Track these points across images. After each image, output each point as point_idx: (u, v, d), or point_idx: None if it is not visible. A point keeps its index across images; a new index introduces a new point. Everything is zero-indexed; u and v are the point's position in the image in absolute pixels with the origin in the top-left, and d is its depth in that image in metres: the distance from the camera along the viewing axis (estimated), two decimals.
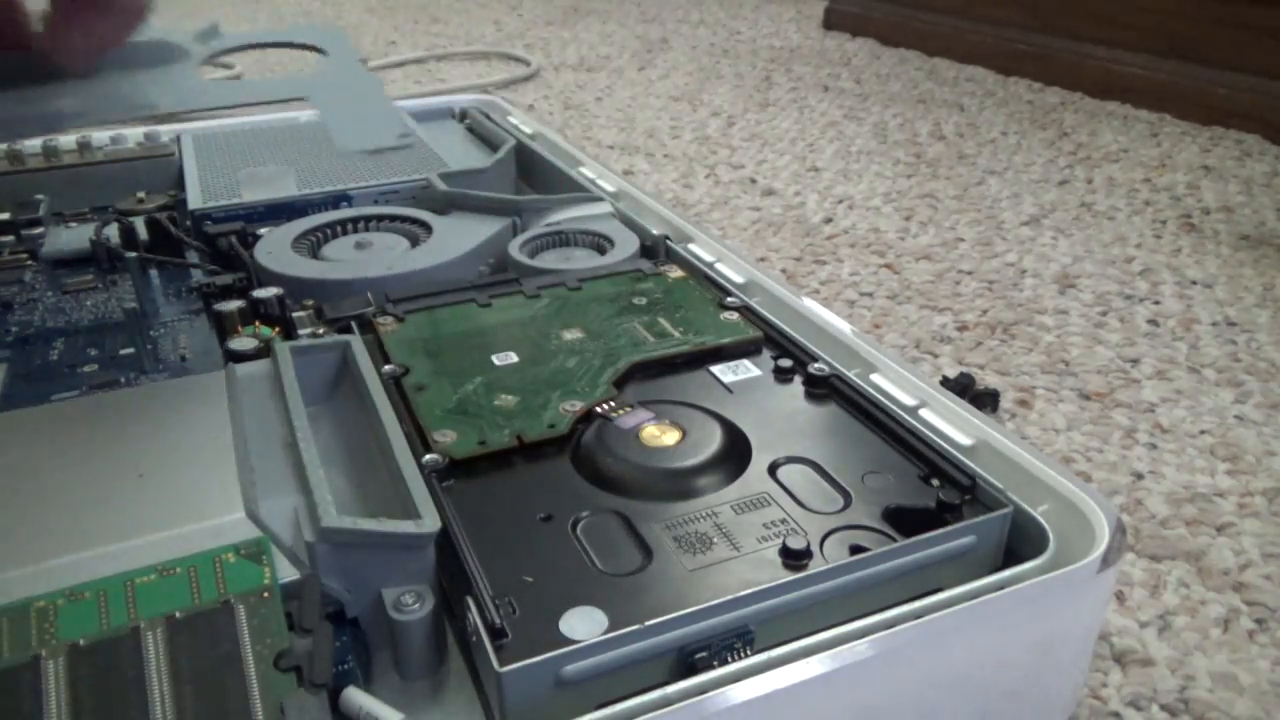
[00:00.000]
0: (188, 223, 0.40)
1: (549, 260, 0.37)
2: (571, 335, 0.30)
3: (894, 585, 0.21)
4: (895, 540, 0.21)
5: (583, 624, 0.19)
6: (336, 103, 0.28)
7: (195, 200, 0.40)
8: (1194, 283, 0.48)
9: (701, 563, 0.21)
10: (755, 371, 0.28)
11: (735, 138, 0.71)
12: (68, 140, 0.47)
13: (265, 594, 0.20)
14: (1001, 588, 0.20)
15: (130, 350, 0.32)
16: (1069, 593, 0.20)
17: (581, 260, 0.36)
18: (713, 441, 0.25)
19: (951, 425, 0.25)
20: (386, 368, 0.28)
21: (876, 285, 0.48)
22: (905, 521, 0.22)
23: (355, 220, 0.39)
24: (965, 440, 0.24)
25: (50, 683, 0.18)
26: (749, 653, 0.19)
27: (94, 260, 0.38)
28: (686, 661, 0.19)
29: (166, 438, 0.25)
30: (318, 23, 1.13)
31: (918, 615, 0.19)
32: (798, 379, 0.28)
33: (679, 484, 0.23)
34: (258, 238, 0.37)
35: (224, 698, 0.17)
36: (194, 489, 0.22)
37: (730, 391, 0.27)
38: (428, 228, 0.39)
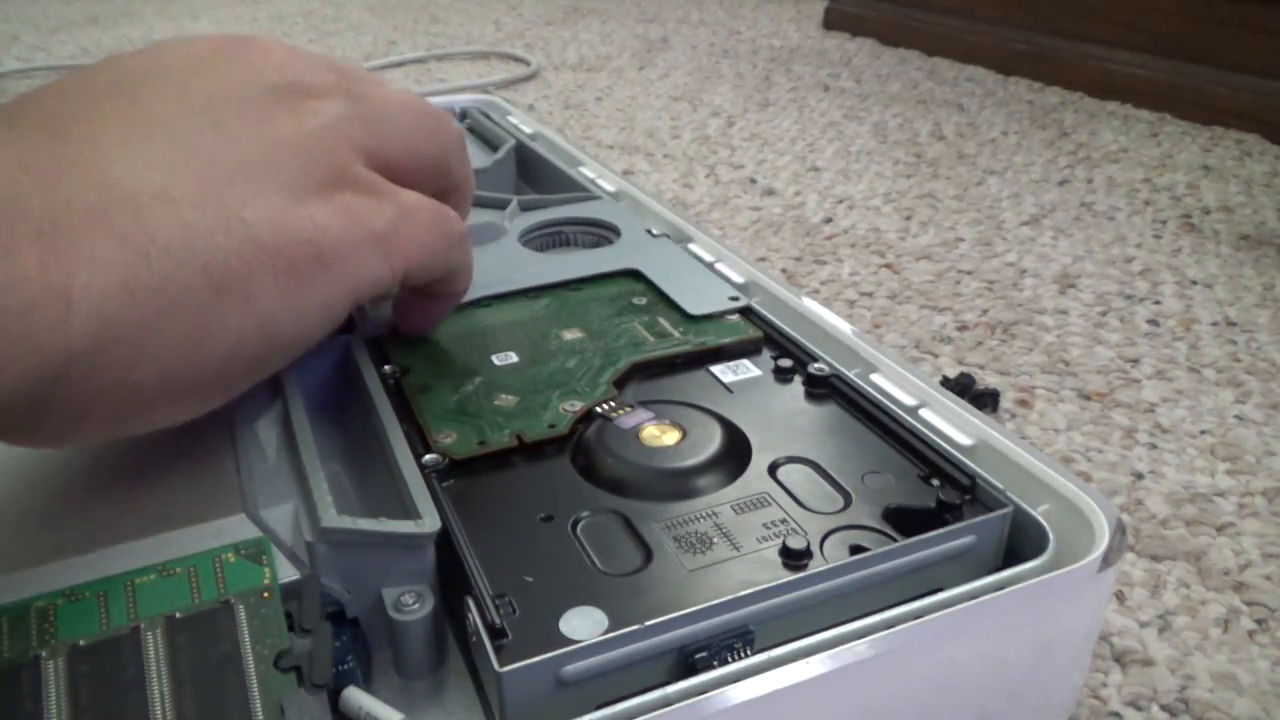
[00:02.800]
0: None
1: (549, 258, 0.37)
2: (571, 335, 0.30)
3: (894, 585, 0.21)
4: (895, 540, 0.21)
5: (583, 624, 0.19)
6: (670, 275, 0.33)
7: None
8: (1194, 283, 0.48)
9: (701, 563, 0.21)
10: (755, 371, 0.28)
11: (735, 138, 0.71)
12: None
13: (265, 594, 0.20)
14: (1001, 588, 0.20)
15: None
16: (1069, 593, 0.20)
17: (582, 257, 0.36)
18: (713, 441, 0.25)
19: (951, 425, 0.25)
20: (386, 368, 0.28)
21: (876, 285, 0.48)
22: (905, 521, 0.22)
23: None
24: (965, 440, 0.24)
25: (50, 683, 0.18)
26: (749, 653, 0.19)
27: None
28: (686, 661, 0.19)
29: (166, 438, 0.25)
30: (318, 23, 1.13)
31: (918, 615, 0.19)
32: (798, 379, 0.28)
33: (679, 484, 0.23)
34: None
35: (224, 698, 0.17)
36: (194, 489, 0.22)
37: (730, 391, 0.27)
38: None
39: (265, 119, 0.21)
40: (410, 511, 0.21)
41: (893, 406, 0.26)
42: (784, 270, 0.50)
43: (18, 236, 0.16)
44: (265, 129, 0.21)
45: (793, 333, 0.30)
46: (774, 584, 0.19)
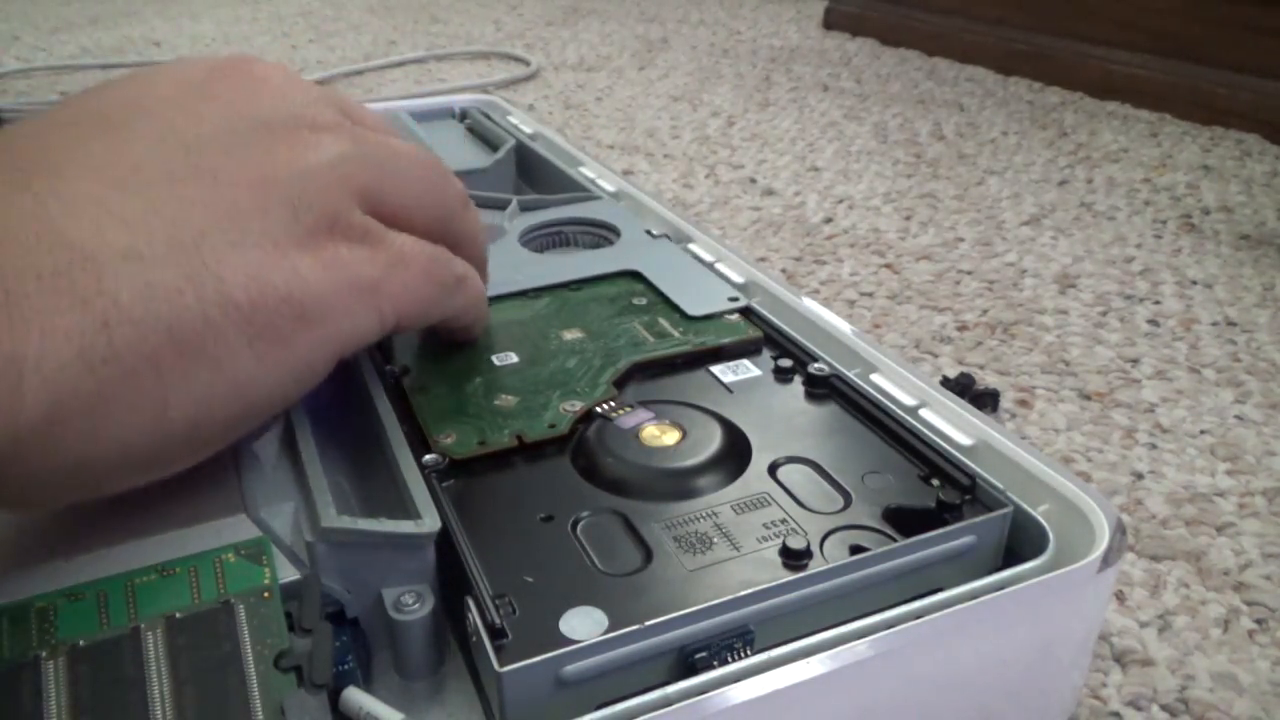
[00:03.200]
0: None
1: (549, 258, 0.37)
2: (571, 335, 0.30)
3: (894, 585, 0.21)
4: (895, 540, 0.21)
5: (583, 624, 0.19)
6: (669, 276, 0.33)
7: None
8: (1194, 283, 0.48)
9: (701, 563, 0.21)
10: (755, 371, 0.28)
11: (735, 138, 0.71)
12: None
13: (265, 594, 0.20)
14: (1001, 588, 0.20)
15: None
16: (1069, 593, 0.20)
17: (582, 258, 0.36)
18: (713, 441, 0.25)
19: (951, 425, 0.25)
20: (386, 367, 0.28)
21: (876, 285, 0.48)
22: (905, 521, 0.22)
23: None
24: (965, 440, 0.24)
25: (50, 683, 0.18)
26: (749, 653, 0.19)
27: None
28: (686, 661, 0.19)
29: None
30: (318, 23, 1.13)
31: (918, 615, 0.19)
32: (798, 379, 0.28)
33: (679, 484, 0.23)
34: None
35: (224, 698, 0.17)
36: (194, 489, 0.22)
37: (730, 391, 0.27)
38: None
39: (258, 153, 0.20)
40: (410, 511, 0.21)
41: (893, 406, 0.26)
42: (784, 270, 0.50)
43: None
44: (255, 166, 0.20)
45: (793, 333, 0.30)
46: (774, 584, 0.19)
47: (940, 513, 0.22)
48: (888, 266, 0.51)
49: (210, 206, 0.19)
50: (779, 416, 0.26)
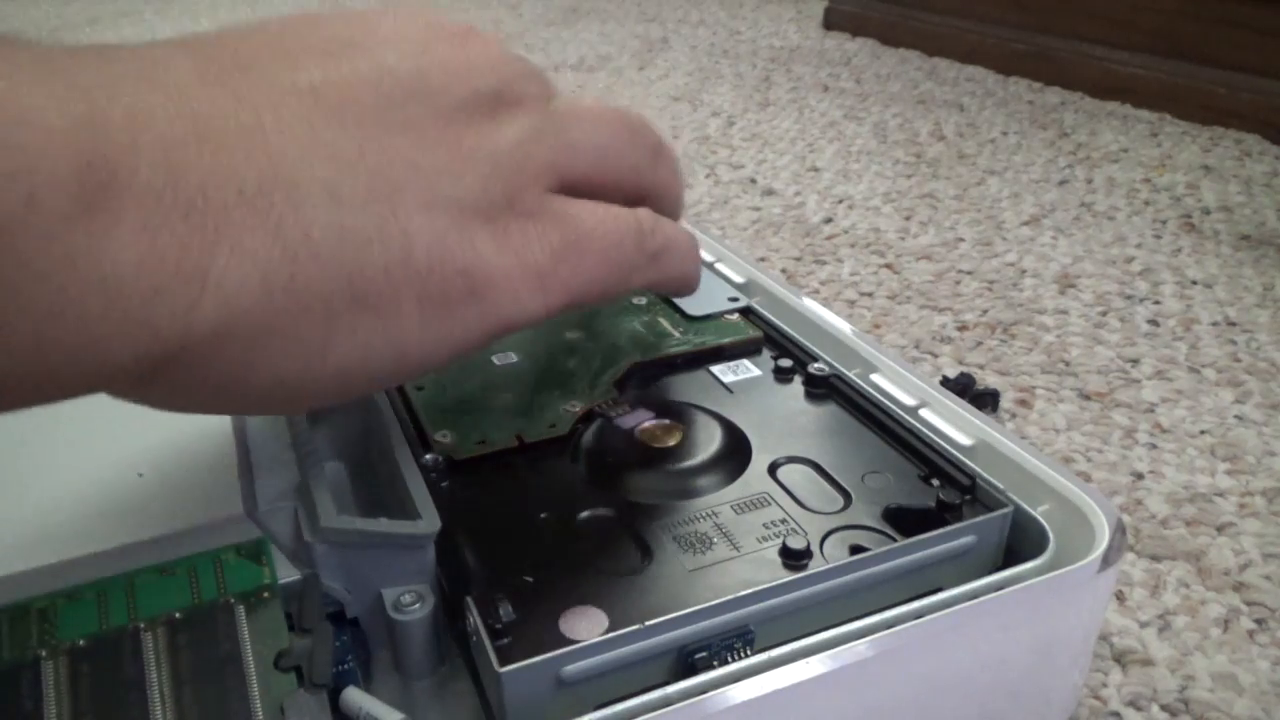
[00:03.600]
0: None
1: None
2: (571, 335, 0.30)
3: (894, 585, 0.21)
4: (895, 540, 0.21)
5: (583, 624, 0.19)
6: None
7: None
8: (1194, 283, 0.48)
9: (701, 563, 0.21)
10: (755, 371, 0.28)
11: (735, 138, 0.71)
12: None
13: (265, 594, 0.20)
14: (1001, 588, 0.20)
15: None
16: (1069, 593, 0.20)
17: None
18: (713, 441, 0.25)
19: (951, 425, 0.25)
20: None
21: (876, 285, 0.48)
22: (905, 521, 0.22)
23: None
24: (965, 440, 0.24)
25: (50, 683, 0.18)
26: (749, 653, 0.19)
27: None
28: (686, 661, 0.19)
29: (166, 438, 0.25)
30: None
31: (918, 615, 0.19)
32: (798, 379, 0.28)
33: (679, 484, 0.23)
34: None
35: (224, 698, 0.17)
36: (194, 489, 0.22)
37: (730, 391, 0.27)
38: None
39: (462, 126, 0.20)
40: (410, 511, 0.21)
41: (893, 406, 0.26)
42: (784, 270, 0.50)
43: (167, 212, 0.15)
44: (456, 134, 0.20)
45: (793, 333, 0.30)
46: (774, 584, 0.19)
47: (940, 513, 0.22)
48: (888, 266, 0.51)
49: (412, 164, 0.19)
50: (779, 416, 0.26)
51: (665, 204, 0.25)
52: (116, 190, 0.15)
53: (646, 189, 0.24)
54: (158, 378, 0.17)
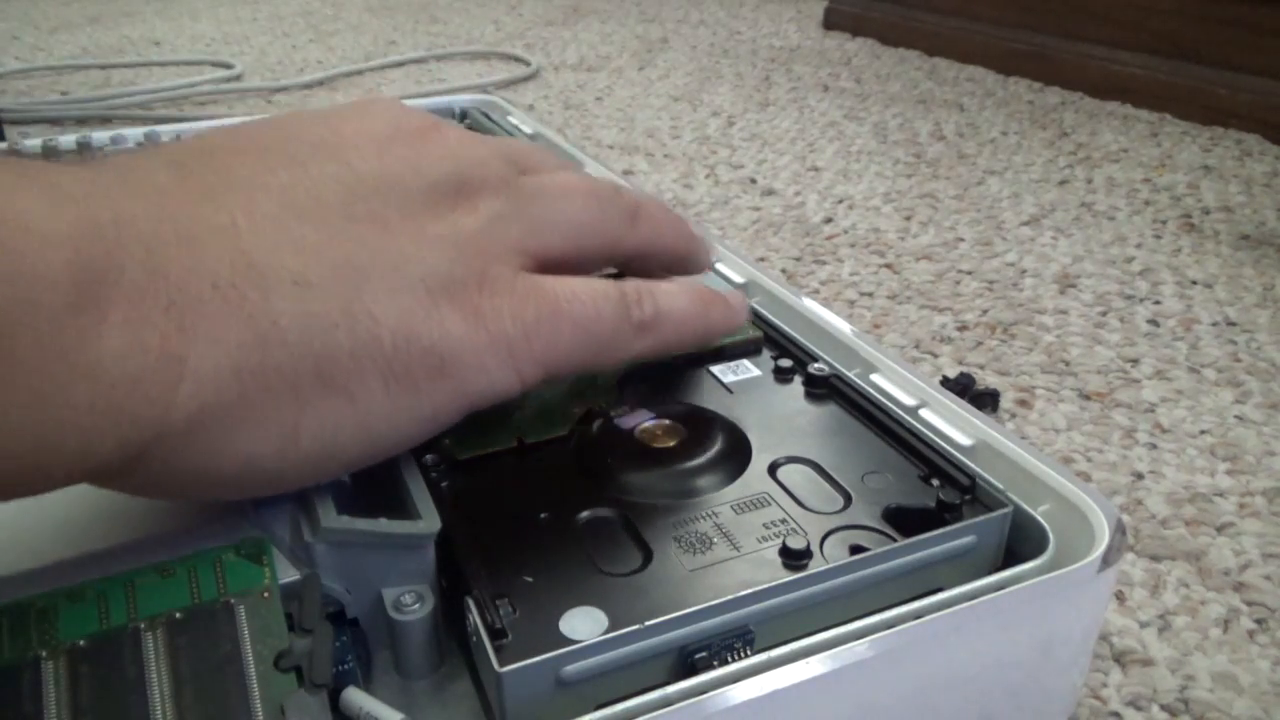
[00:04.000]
0: None
1: None
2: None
3: (894, 585, 0.21)
4: (895, 540, 0.21)
5: (583, 624, 0.19)
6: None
7: None
8: (1194, 283, 0.48)
9: (701, 563, 0.21)
10: (755, 371, 0.28)
11: (735, 138, 0.71)
12: (68, 140, 0.47)
13: (265, 594, 0.20)
14: (1001, 588, 0.20)
15: None
16: (1069, 593, 0.20)
17: None
18: (713, 441, 0.25)
19: (951, 425, 0.25)
20: None
21: (876, 285, 0.48)
22: (905, 521, 0.22)
23: None
24: (965, 440, 0.24)
25: (50, 683, 0.18)
26: (749, 653, 0.19)
27: None
28: (686, 661, 0.19)
29: None
30: (318, 23, 1.13)
31: (918, 615, 0.19)
32: (798, 379, 0.28)
33: (679, 484, 0.23)
34: None
35: (224, 698, 0.17)
36: None
37: (730, 391, 0.27)
38: None
39: (426, 215, 0.21)
40: (410, 511, 0.21)
41: (893, 406, 0.26)
42: (784, 270, 0.50)
43: (148, 306, 0.16)
44: (420, 226, 0.20)
45: (793, 333, 0.30)
46: (774, 584, 0.19)
47: (940, 513, 0.22)
48: (888, 266, 0.51)
49: (377, 251, 0.20)
50: (779, 416, 0.26)
51: (658, 263, 0.26)
52: (106, 289, 0.16)
53: (630, 254, 0.25)
54: (138, 466, 0.17)
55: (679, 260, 0.27)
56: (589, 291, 0.22)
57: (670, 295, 0.24)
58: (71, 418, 0.16)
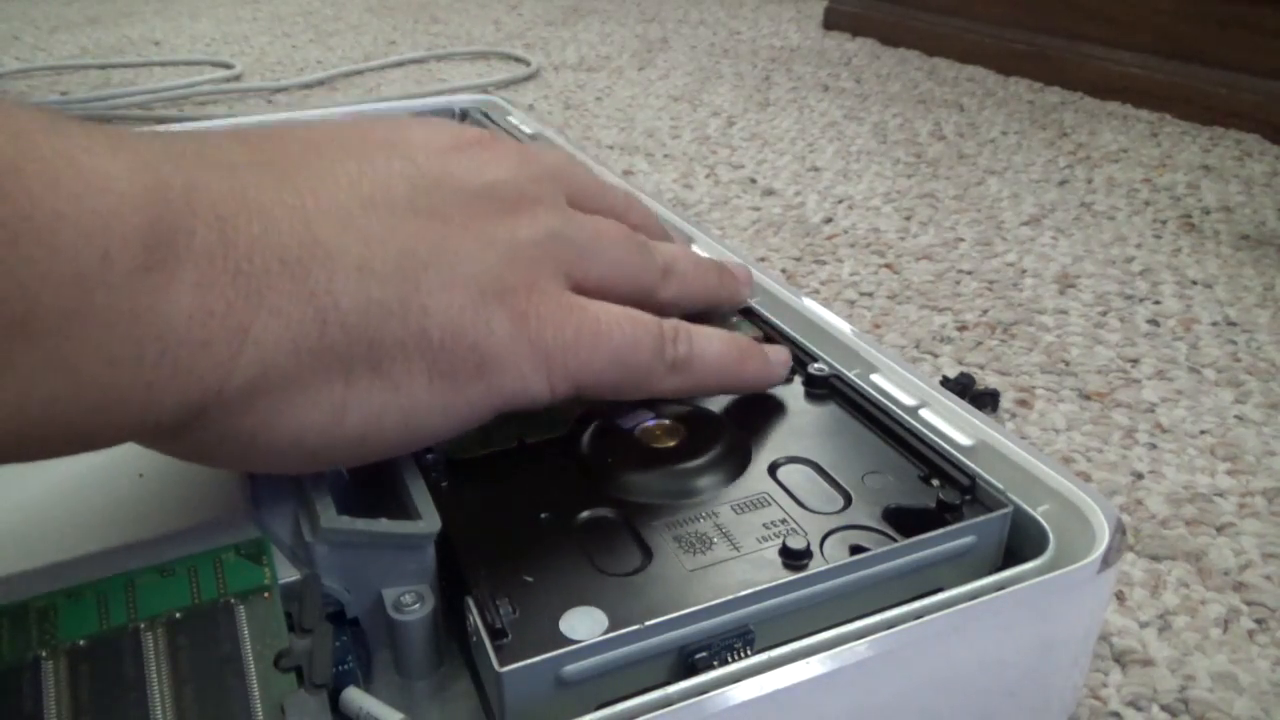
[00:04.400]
0: None
1: None
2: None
3: (894, 585, 0.21)
4: (895, 540, 0.21)
5: (583, 624, 0.19)
6: None
7: None
8: (1194, 283, 0.48)
9: (701, 563, 0.21)
10: None
11: (735, 138, 0.71)
12: None
13: (265, 594, 0.20)
14: (1001, 588, 0.20)
15: None
16: (1069, 593, 0.20)
17: None
18: (713, 441, 0.25)
19: (951, 425, 0.25)
20: None
21: (876, 285, 0.48)
22: (905, 521, 0.22)
23: None
24: (965, 440, 0.24)
25: (50, 683, 0.18)
26: (749, 653, 0.19)
27: None
28: (686, 661, 0.19)
29: None
30: (318, 23, 1.13)
31: (918, 615, 0.19)
32: (798, 379, 0.28)
33: (679, 484, 0.23)
34: None
35: (224, 698, 0.17)
36: (194, 489, 0.22)
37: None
38: None
39: (485, 213, 0.21)
40: (410, 511, 0.21)
41: (893, 406, 0.26)
42: (784, 270, 0.50)
43: (219, 273, 0.17)
44: (480, 224, 0.21)
45: (793, 333, 0.30)
46: (774, 584, 0.19)
47: (940, 513, 0.22)
48: (888, 266, 0.51)
49: (436, 246, 0.20)
50: (779, 416, 0.26)
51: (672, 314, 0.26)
52: (176, 251, 0.17)
53: (658, 307, 0.25)
54: (191, 428, 0.18)
55: (708, 302, 0.28)
56: (630, 321, 0.23)
57: (707, 340, 0.25)
58: (138, 374, 0.16)
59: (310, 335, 0.18)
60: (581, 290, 0.23)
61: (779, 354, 0.27)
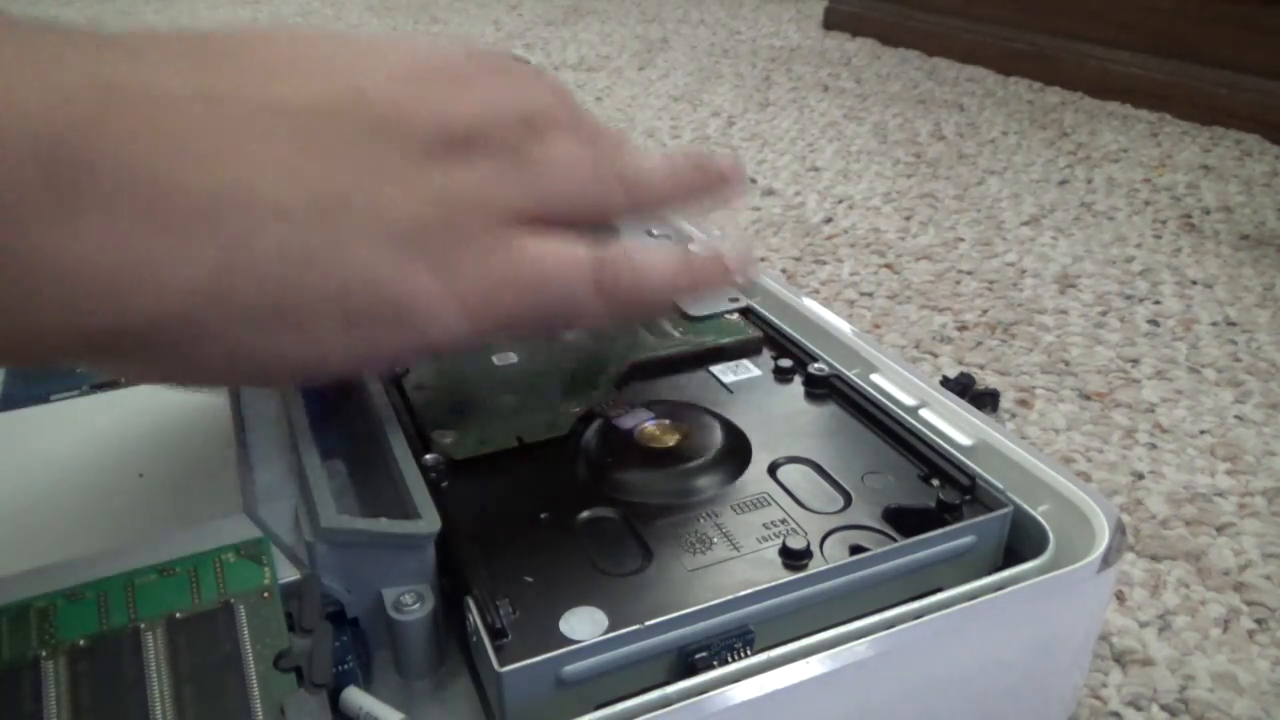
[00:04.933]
0: None
1: None
2: (571, 335, 0.30)
3: (894, 585, 0.21)
4: (895, 540, 0.21)
5: (583, 624, 0.19)
6: None
7: None
8: (1194, 283, 0.48)
9: (701, 563, 0.21)
10: (755, 371, 0.28)
11: (735, 138, 0.71)
12: None
13: (265, 594, 0.20)
14: (1001, 588, 0.20)
15: None
16: (1069, 593, 0.20)
17: None
18: (713, 441, 0.25)
19: (951, 425, 0.25)
20: None
21: (876, 285, 0.48)
22: (905, 521, 0.22)
23: None
24: (965, 440, 0.24)
25: (50, 683, 0.18)
26: (749, 653, 0.19)
27: None
28: (686, 661, 0.19)
29: (166, 438, 0.25)
30: (318, 24, 1.13)
31: (918, 615, 0.19)
32: (798, 379, 0.28)
33: (679, 484, 0.23)
34: None
35: (224, 698, 0.17)
36: (194, 489, 0.22)
37: (730, 391, 0.27)
38: None
39: (425, 163, 0.20)
40: (410, 511, 0.21)
41: (893, 406, 0.26)
42: (784, 270, 0.50)
43: (126, 213, 0.16)
44: (416, 174, 0.20)
45: (793, 333, 0.30)
46: (774, 584, 0.19)
47: (940, 513, 0.22)
48: (888, 266, 0.51)
49: (364, 191, 0.19)
50: (779, 416, 0.26)
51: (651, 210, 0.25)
52: (82, 189, 0.16)
53: (626, 216, 0.24)
54: (104, 355, 0.18)
55: (689, 202, 0.27)
56: (561, 257, 0.22)
57: (650, 269, 0.23)
58: (41, 313, 0.16)
59: (220, 283, 0.18)
60: (535, 219, 0.22)
61: (738, 258, 0.25)
